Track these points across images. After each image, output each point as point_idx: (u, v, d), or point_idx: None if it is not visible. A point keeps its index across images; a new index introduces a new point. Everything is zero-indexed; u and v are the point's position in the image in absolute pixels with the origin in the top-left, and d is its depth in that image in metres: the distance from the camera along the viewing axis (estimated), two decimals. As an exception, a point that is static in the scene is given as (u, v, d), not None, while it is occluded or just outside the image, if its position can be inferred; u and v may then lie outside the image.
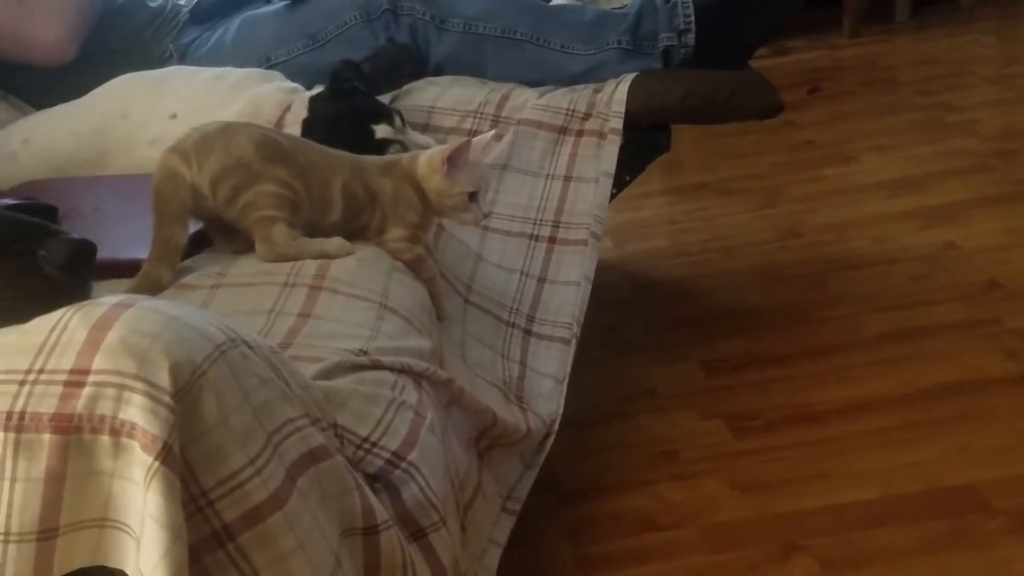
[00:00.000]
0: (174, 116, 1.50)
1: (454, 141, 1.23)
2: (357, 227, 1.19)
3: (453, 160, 1.19)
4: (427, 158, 1.21)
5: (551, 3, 1.77)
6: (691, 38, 1.64)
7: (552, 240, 1.49)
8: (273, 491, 0.74)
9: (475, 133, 1.58)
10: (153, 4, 1.89)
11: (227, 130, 1.14)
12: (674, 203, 2.54)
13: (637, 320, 1.98)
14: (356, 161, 1.21)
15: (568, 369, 1.39)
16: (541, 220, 1.51)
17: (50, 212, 1.34)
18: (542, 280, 1.46)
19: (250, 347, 0.78)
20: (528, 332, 1.42)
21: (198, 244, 1.23)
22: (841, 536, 1.29)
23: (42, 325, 0.73)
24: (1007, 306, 1.76)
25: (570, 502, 1.45)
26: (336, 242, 1.15)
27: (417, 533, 0.92)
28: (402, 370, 1.01)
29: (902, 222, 2.17)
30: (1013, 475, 1.34)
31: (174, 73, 1.64)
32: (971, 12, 3.82)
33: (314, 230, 1.16)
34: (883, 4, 3.86)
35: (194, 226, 1.19)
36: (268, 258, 1.13)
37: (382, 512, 0.86)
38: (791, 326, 1.82)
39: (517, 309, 1.43)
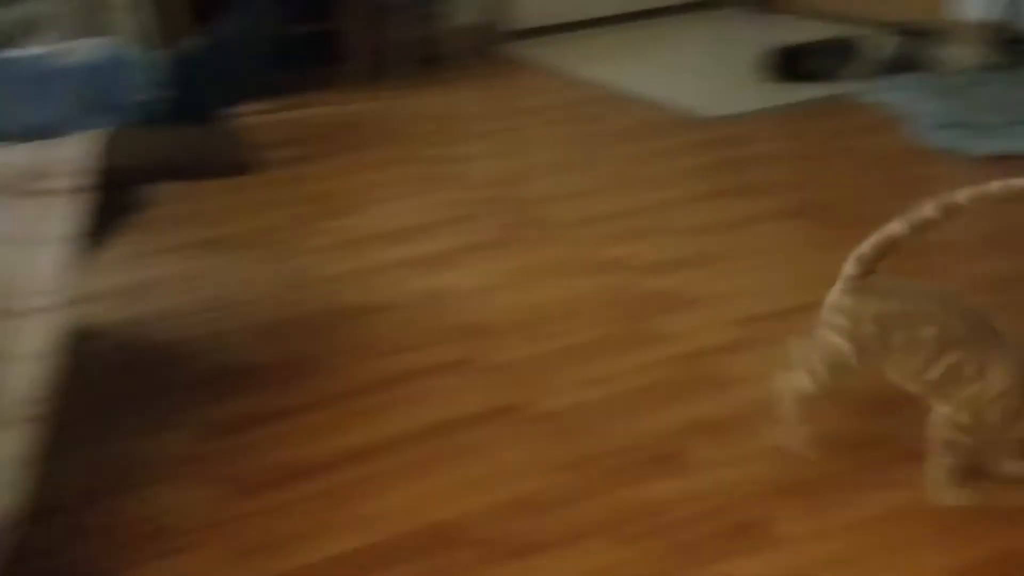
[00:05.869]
0: None
1: None
2: None
3: None
4: None
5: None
6: (164, 93, 1.59)
7: (6, 313, 1.34)
8: None
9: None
10: None
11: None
12: (184, 259, 2.44)
13: (128, 390, 1.85)
14: None
15: (33, 452, 1.25)
16: (-5, 291, 1.36)
17: None
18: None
19: None
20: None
21: None
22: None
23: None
24: (483, 344, 1.91)
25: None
26: None
27: None
28: None
29: (398, 270, 2.28)
30: (492, 503, 1.44)
31: None
32: (462, 72, 4.17)
33: None
34: (387, 62, 4.08)
35: None
36: None
37: None
38: (291, 380, 1.82)
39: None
